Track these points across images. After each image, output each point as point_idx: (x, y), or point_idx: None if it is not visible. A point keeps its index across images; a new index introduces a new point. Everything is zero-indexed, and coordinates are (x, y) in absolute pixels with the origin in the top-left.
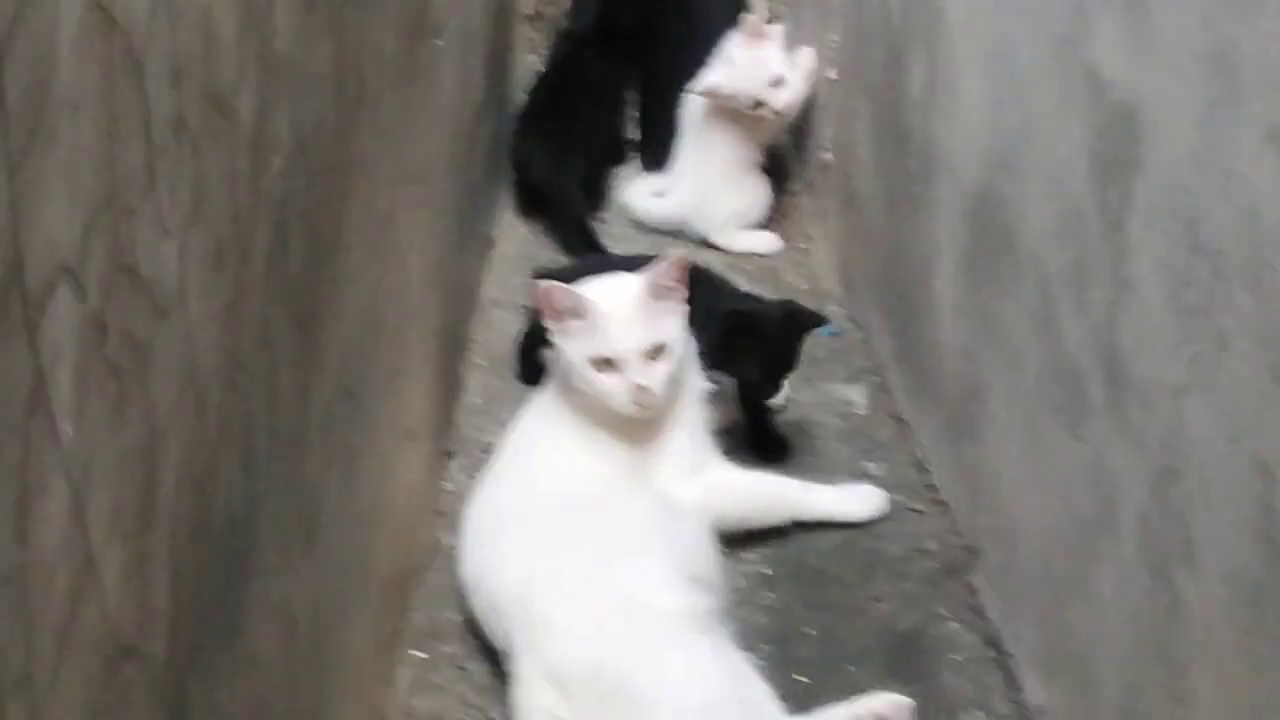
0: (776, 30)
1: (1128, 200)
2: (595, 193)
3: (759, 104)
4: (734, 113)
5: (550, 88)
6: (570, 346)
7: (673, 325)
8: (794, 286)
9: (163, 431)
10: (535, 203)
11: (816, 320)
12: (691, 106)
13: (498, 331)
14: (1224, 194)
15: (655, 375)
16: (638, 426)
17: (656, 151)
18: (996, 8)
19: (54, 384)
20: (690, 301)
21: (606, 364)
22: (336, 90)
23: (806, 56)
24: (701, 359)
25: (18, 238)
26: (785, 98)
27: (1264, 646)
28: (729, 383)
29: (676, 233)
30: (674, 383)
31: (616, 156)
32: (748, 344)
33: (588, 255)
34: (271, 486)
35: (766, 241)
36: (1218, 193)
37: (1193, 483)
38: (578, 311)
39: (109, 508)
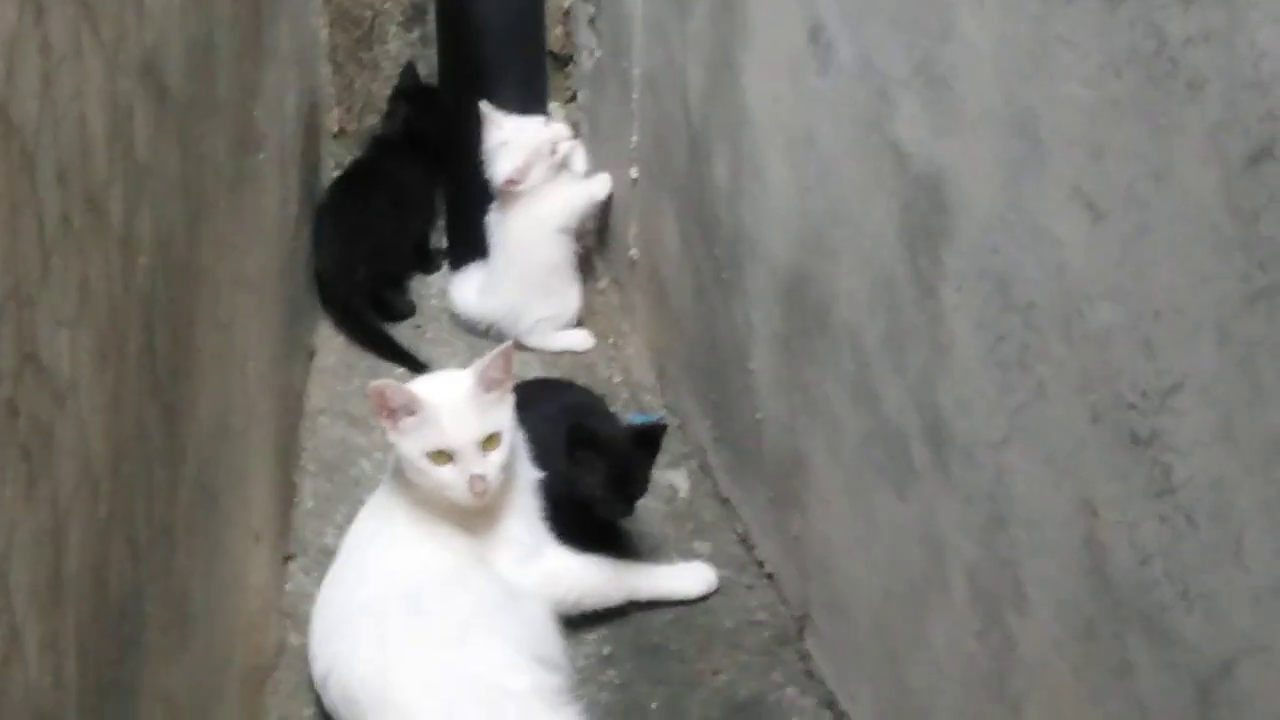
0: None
1: (938, 266)
2: (386, 291)
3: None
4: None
5: (344, 188)
6: (406, 442)
7: (503, 415)
8: (609, 379)
9: (65, 513)
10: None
11: (660, 435)
12: (498, 210)
13: (324, 438)
14: (1032, 251)
15: (490, 464)
16: (474, 515)
17: (465, 253)
18: (798, 96)
19: None
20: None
21: (442, 456)
22: (185, 195)
23: (601, 183)
24: (548, 476)
25: None
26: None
27: (1098, 675)
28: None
29: (492, 332)
30: (507, 470)
31: (419, 259)
32: (591, 460)
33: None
34: (152, 574)
35: (580, 339)
36: (1026, 251)
37: (1019, 528)
38: (410, 408)
39: (27, 583)
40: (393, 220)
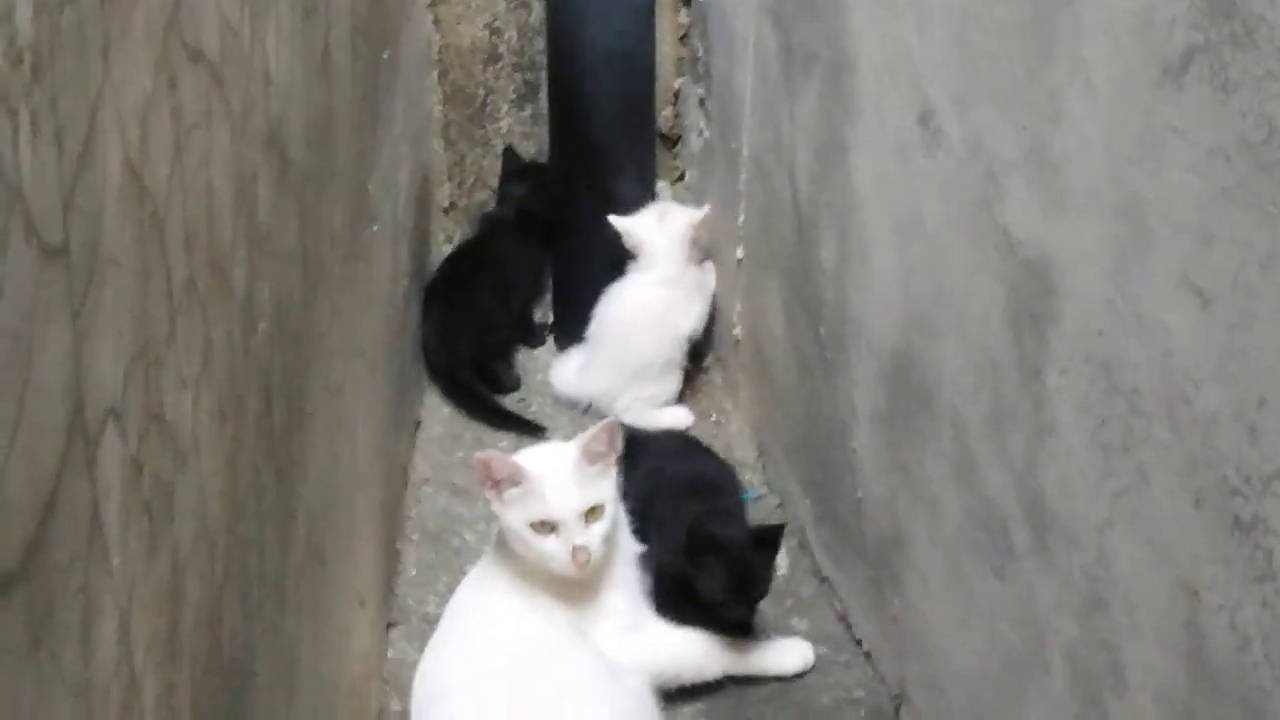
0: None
1: (1043, 349)
2: (493, 363)
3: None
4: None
5: (452, 264)
6: (509, 513)
7: (606, 487)
8: None
9: (184, 569)
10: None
11: (779, 536)
12: (609, 296)
13: (428, 508)
14: (1138, 336)
15: (592, 535)
16: (575, 587)
17: (572, 331)
18: (906, 178)
19: (106, 517)
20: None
21: (545, 527)
22: (303, 264)
23: (709, 272)
24: (656, 549)
25: (79, 379)
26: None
27: None
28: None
29: (592, 410)
30: (608, 542)
31: (522, 335)
32: (711, 565)
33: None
34: (263, 633)
35: (679, 416)
36: (1132, 335)
37: (1119, 611)
38: (515, 479)
39: (146, 636)
40: (497, 295)
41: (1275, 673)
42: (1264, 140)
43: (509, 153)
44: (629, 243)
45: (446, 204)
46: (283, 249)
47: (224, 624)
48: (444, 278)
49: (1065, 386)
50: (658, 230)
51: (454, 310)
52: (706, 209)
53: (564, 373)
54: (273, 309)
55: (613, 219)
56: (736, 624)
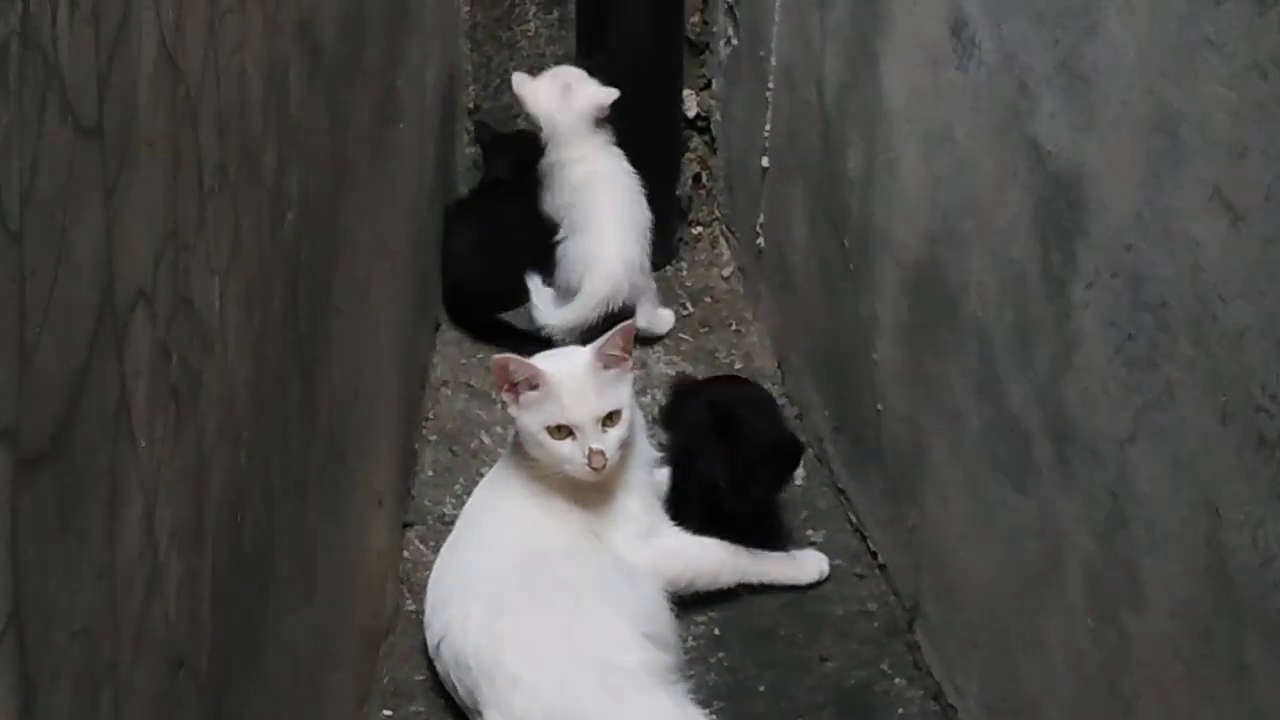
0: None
1: (1070, 263)
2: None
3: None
4: None
5: (476, 198)
6: (526, 416)
7: (623, 392)
8: (730, 366)
9: (208, 458)
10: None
11: (798, 452)
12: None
13: (446, 410)
14: (1167, 250)
15: (609, 440)
16: (591, 491)
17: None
18: (937, 90)
19: (134, 399)
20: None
21: (561, 431)
22: (331, 157)
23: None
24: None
25: (110, 259)
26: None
27: (1213, 677)
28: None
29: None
30: (625, 447)
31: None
32: (720, 448)
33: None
34: (284, 526)
35: (665, 319)
36: (1161, 249)
37: (1140, 527)
38: (532, 382)
39: (171, 522)
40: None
41: None
42: None
43: (481, 127)
44: (528, 110)
45: (471, 105)
46: (312, 141)
47: (246, 515)
48: (467, 205)
49: (1091, 300)
50: (562, 104)
51: (491, 234)
52: (614, 92)
53: (546, 307)
54: (301, 201)
55: (515, 78)
56: (741, 524)
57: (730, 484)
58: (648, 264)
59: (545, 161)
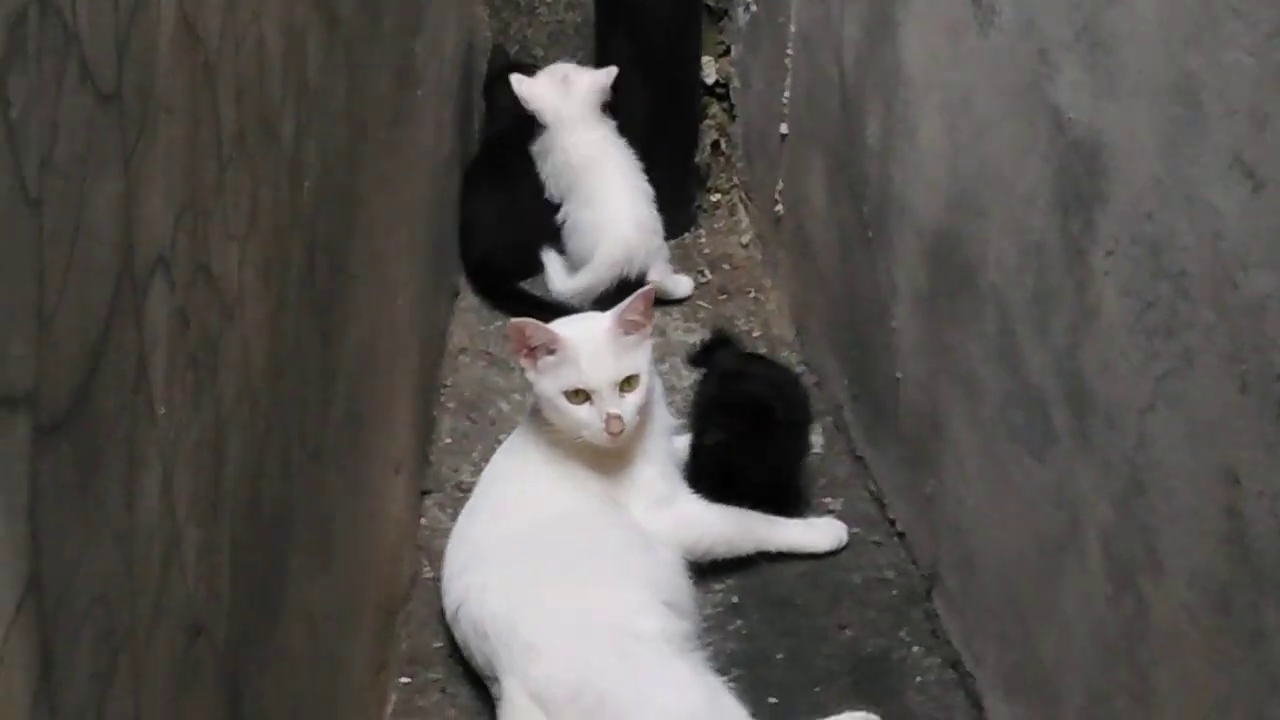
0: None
1: (1090, 231)
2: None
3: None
4: None
5: (487, 156)
6: (544, 381)
7: (642, 358)
8: (748, 334)
9: (226, 424)
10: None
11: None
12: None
13: (464, 377)
14: (1187, 218)
15: (626, 405)
16: (609, 458)
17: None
18: (956, 57)
19: (152, 366)
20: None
21: (580, 395)
22: (349, 124)
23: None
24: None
25: (129, 225)
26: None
27: (1231, 644)
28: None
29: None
30: (643, 413)
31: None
32: (732, 423)
33: None
34: (301, 493)
35: (683, 284)
36: (1181, 217)
37: (1158, 495)
38: (550, 346)
39: (189, 490)
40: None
41: None
42: None
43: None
44: (530, 108)
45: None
46: (330, 108)
47: (264, 482)
48: (481, 167)
49: (1111, 268)
50: (563, 96)
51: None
52: (612, 70)
53: (559, 276)
54: (319, 168)
55: (513, 79)
56: (760, 492)
57: (736, 451)
58: (660, 226)
59: (541, 145)
